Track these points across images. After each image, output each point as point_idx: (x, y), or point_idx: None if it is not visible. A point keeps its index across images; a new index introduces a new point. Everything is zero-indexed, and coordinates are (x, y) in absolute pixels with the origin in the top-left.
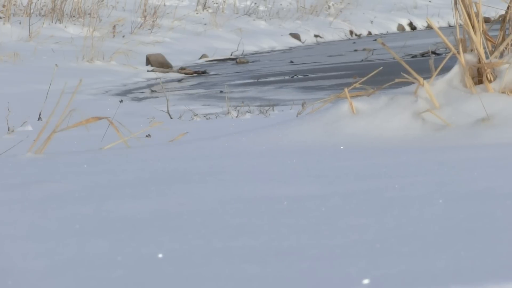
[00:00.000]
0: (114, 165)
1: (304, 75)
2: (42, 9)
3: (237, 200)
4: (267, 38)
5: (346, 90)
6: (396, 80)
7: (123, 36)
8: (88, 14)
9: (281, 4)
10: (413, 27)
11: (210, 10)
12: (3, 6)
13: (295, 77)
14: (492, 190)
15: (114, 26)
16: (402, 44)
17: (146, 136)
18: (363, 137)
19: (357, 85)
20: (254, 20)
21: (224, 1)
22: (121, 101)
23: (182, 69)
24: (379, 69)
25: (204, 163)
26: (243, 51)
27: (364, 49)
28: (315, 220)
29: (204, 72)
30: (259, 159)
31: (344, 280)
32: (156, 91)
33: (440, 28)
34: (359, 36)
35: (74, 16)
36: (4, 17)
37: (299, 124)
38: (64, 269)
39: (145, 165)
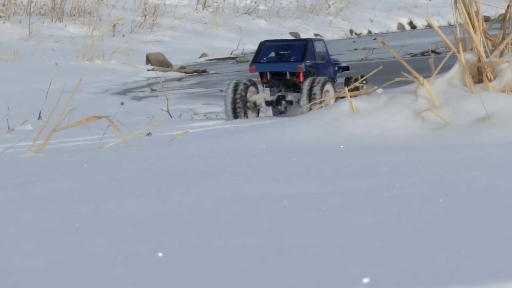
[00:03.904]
0: (114, 164)
1: None
2: (42, 8)
3: (237, 199)
4: (267, 37)
5: (346, 89)
6: (396, 79)
7: (123, 35)
8: (88, 13)
9: (281, 3)
10: (413, 26)
11: (210, 9)
12: (3, 5)
13: None
14: (492, 189)
15: (114, 25)
16: (402, 43)
17: (146, 135)
18: (363, 136)
19: (357, 84)
20: (254, 19)
21: (224, 0)
22: (122, 103)
23: (182, 68)
24: (379, 68)
25: (204, 162)
26: (243, 50)
27: (364, 48)
28: (315, 219)
29: (204, 71)
30: (259, 158)
31: (344, 279)
32: (156, 90)
33: (440, 27)
34: (359, 35)
35: (74, 15)
36: (4, 16)
37: (299, 123)
38: (64, 268)
39: (145, 164)
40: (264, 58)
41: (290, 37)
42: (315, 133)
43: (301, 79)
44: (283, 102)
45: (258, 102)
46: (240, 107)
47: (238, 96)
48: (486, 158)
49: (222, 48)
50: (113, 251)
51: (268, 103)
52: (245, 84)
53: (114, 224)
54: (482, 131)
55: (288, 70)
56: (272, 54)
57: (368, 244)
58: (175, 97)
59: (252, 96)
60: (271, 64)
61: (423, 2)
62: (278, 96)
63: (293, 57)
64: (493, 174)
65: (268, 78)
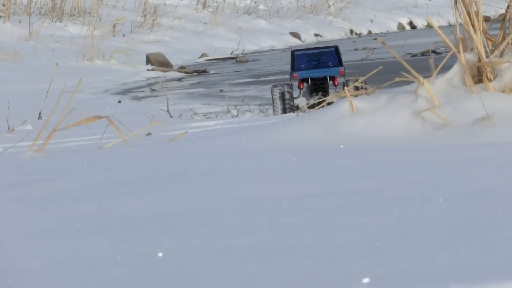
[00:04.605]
0: (114, 164)
1: None
2: (42, 8)
3: (237, 199)
4: (267, 37)
5: (346, 89)
6: (396, 79)
7: (123, 35)
8: (88, 13)
9: (281, 3)
10: (413, 26)
11: (210, 9)
12: (3, 5)
13: None
14: (492, 189)
15: (114, 25)
16: (402, 43)
17: (146, 135)
18: (363, 136)
19: (357, 84)
20: (254, 19)
21: (224, 0)
22: (119, 102)
23: (182, 68)
24: (379, 68)
25: (204, 162)
26: (243, 50)
27: (364, 48)
28: (315, 219)
29: (204, 71)
30: (259, 158)
31: (345, 279)
32: (156, 90)
33: (440, 27)
34: (359, 35)
35: (74, 15)
36: (4, 16)
37: (299, 123)
38: (64, 268)
39: (145, 164)
40: (302, 66)
41: (290, 37)
42: (315, 133)
43: (336, 82)
44: (325, 105)
45: (301, 105)
46: (289, 110)
47: (286, 100)
48: (486, 158)
49: (222, 48)
50: (113, 251)
51: (309, 106)
52: (288, 88)
53: (114, 224)
54: (482, 131)
55: (330, 75)
56: (307, 62)
57: (368, 244)
58: (175, 97)
59: (295, 100)
60: (312, 70)
61: (423, 2)
62: (319, 99)
63: (330, 63)
64: (493, 174)
65: (308, 83)
